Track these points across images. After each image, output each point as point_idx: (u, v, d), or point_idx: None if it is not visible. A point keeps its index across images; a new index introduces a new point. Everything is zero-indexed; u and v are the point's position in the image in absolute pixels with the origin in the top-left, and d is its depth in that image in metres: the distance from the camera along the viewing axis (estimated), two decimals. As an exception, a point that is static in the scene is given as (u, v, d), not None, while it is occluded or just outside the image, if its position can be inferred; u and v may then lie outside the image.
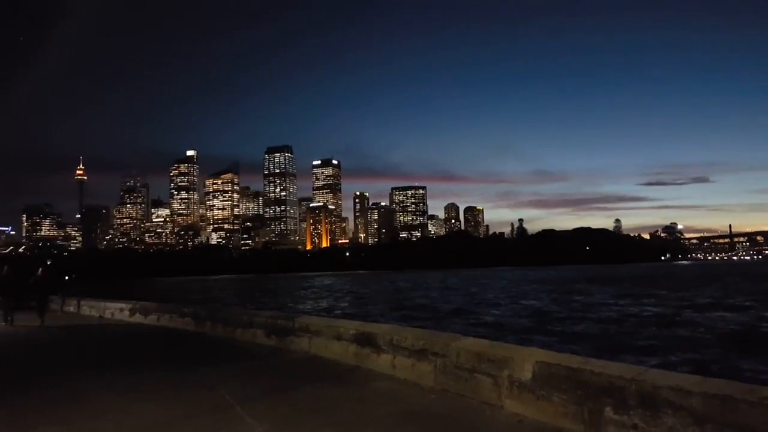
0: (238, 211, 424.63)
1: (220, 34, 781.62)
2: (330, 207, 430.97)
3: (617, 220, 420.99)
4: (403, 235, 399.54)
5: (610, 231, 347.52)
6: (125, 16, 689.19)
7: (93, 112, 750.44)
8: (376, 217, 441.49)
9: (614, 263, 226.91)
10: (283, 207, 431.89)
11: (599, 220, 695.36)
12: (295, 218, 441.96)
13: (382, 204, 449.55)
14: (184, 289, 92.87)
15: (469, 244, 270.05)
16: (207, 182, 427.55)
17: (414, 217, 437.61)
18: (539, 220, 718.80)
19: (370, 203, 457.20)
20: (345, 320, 8.80)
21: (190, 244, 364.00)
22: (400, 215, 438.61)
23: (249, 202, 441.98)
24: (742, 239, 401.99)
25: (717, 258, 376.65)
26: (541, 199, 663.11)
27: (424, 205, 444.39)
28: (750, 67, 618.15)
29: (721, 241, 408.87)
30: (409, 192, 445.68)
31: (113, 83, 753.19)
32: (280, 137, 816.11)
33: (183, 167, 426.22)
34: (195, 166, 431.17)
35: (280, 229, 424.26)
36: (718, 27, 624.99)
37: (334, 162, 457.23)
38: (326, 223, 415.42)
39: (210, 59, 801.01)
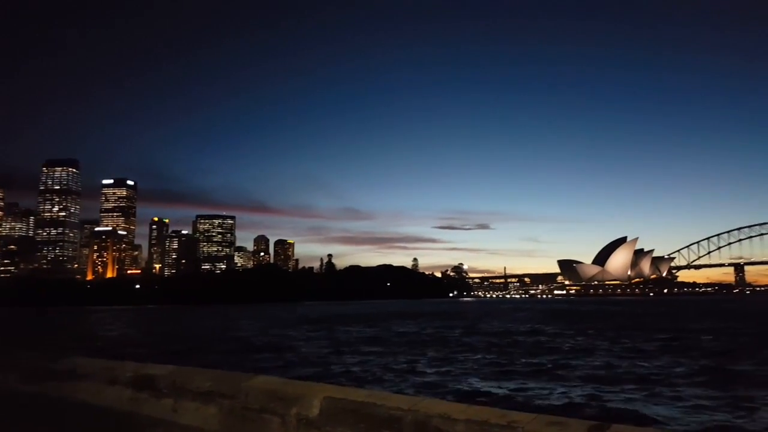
0: (0, 231, 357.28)
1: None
2: (121, 232, 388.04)
3: (415, 259, 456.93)
4: (206, 266, 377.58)
5: (409, 269, 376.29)
6: None
7: None
8: (176, 246, 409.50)
9: (411, 298, 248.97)
10: (60, 229, 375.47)
11: (400, 258, 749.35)
12: (75, 243, 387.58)
13: (184, 232, 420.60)
14: None
15: (277, 278, 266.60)
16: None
17: (220, 248, 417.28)
18: (347, 255, 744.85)
19: (170, 230, 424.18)
20: (121, 361, 7.86)
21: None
22: (205, 245, 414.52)
23: (16, 222, 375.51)
24: (513, 280, 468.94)
25: (494, 296, 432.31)
26: (349, 236, 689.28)
27: (232, 235, 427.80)
28: (526, 130, 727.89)
29: (497, 281, 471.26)
30: (216, 221, 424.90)
31: None
32: (65, 150, 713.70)
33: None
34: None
35: (55, 255, 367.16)
36: (497, 87, 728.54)
37: (130, 182, 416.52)
38: (114, 251, 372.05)
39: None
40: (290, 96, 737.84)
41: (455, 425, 3.79)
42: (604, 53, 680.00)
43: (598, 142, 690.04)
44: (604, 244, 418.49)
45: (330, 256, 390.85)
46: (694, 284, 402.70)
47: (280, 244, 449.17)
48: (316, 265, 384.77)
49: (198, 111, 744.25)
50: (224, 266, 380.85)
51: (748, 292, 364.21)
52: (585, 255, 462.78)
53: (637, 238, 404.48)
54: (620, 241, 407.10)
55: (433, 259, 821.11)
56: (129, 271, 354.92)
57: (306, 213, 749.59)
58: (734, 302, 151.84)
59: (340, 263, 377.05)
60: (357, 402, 4.52)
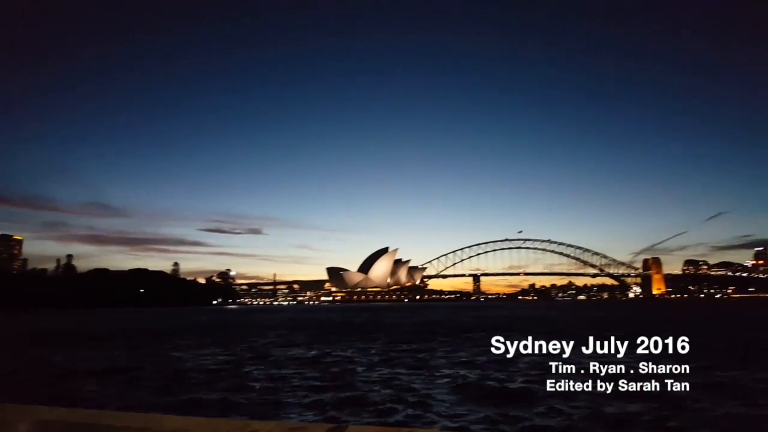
0: None
1: None
2: None
3: (176, 264, 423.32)
4: None
5: (168, 274, 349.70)
6: None
7: None
8: None
9: (169, 306, 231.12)
10: None
11: (158, 262, 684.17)
12: None
13: None
14: None
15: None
16: None
17: None
18: (92, 257, 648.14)
19: None
20: None
21: None
22: None
23: None
24: (283, 287, 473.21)
25: (262, 303, 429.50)
26: (95, 234, 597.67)
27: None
28: (303, 138, 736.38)
29: (266, 287, 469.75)
30: None
31: None
32: None
33: None
34: None
35: None
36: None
37: None
38: None
39: None
40: (19, 64, 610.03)
41: None
42: (376, 63, 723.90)
43: (368, 156, 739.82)
44: (370, 253, 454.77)
45: (70, 257, 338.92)
46: (441, 292, 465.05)
47: (4, 240, 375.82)
48: (52, 266, 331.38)
49: None
50: None
51: (482, 299, 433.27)
52: (352, 263, 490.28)
53: (397, 249, 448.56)
54: (382, 251, 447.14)
55: (197, 264, 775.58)
56: None
57: (40, 204, 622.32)
58: (474, 308, 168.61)
59: (84, 266, 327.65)
60: (77, 424, 4.04)
